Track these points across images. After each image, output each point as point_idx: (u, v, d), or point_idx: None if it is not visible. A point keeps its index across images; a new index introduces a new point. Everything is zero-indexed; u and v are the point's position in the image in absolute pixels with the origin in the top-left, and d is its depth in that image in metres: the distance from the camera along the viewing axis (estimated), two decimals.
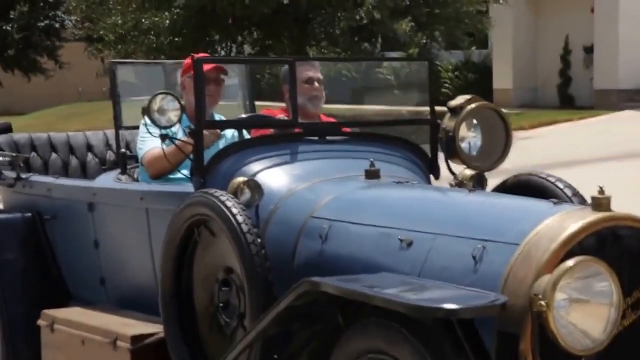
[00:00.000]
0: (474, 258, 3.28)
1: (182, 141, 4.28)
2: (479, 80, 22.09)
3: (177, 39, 16.55)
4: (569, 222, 3.20)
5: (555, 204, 3.42)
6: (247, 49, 18.40)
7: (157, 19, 16.48)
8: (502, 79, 21.91)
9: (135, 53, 16.90)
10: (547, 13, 22.13)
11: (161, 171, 4.59)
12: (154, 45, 16.54)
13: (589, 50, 21.12)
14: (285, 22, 16.84)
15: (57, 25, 31.05)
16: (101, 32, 18.41)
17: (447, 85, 21.66)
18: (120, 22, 17.26)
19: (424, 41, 16.95)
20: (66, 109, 26.55)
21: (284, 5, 16.04)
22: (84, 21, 20.42)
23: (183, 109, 4.24)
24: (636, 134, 15.96)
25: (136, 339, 4.15)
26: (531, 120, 18.36)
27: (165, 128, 4.25)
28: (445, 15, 17.07)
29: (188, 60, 4.87)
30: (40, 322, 4.69)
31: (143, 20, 16.73)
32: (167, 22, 16.40)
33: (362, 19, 16.08)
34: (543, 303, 3.01)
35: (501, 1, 18.51)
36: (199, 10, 16.34)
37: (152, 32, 16.67)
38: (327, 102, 4.87)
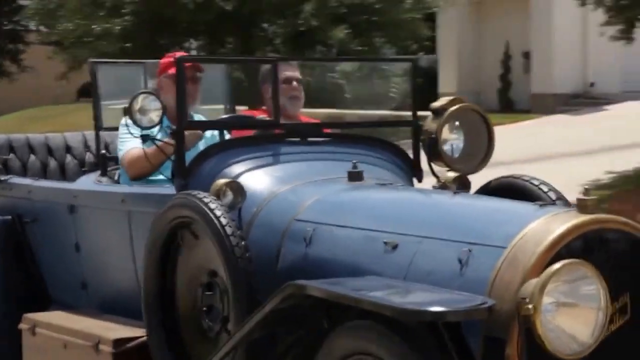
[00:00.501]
0: (460, 261, 3.13)
1: (164, 142, 4.06)
2: (425, 84, 21.89)
3: (127, 45, 16.44)
4: (554, 224, 3.06)
5: (540, 206, 3.28)
6: (194, 54, 18.37)
7: (107, 25, 16.40)
8: (447, 83, 21.86)
9: (90, 57, 16.83)
10: (489, 19, 22.17)
11: (142, 172, 4.40)
12: (105, 51, 16.44)
13: (527, 56, 21.13)
14: (229, 28, 16.73)
15: (20, 29, 30.50)
16: (52, 39, 18.33)
17: (394, 89, 21.61)
18: (71, 27, 17.14)
19: (359, 48, 16.82)
20: (32, 112, 25.97)
21: (227, 12, 15.91)
22: (48, 26, 20.25)
23: (164, 109, 4.02)
24: (560, 137, 15.89)
25: (118, 343, 3.97)
26: None
27: (147, 128, 4.04)
28: (383, 22, 16.98)
29: (164, 60, 4.71)
30: (22, 326, 4.48)
31: (93, 27, 16.62)
32: (118, 28, 16.28)
33: (300, 26, 15.97)
34: (530, 307, 2.88)
35: (434, 8, 18.39)
36: (148, 17, 16.25)
37: (105, 39, 16.58)
38: None
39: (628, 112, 17.78)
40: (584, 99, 20.30)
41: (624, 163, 12.49)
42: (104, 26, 16.38)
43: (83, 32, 16.77)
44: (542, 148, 14.82)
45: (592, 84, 20.69)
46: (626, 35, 11.35)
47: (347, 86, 20.53)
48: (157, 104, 4.02)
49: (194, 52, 17.90)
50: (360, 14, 16.63)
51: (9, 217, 4.91)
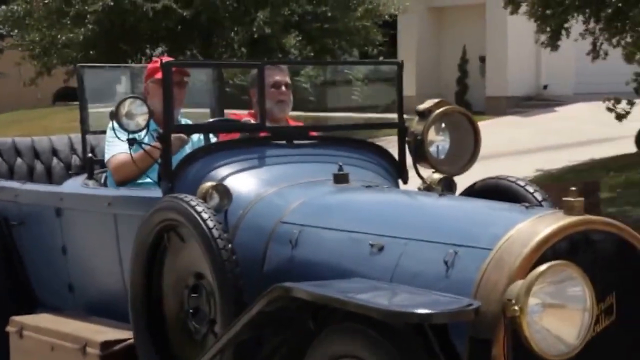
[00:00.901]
0: (446, 263, 2.96)
1: (151, 146, 3.83)
2: (386, 88, 21.74)
3: (91, 52, 16.25)
4: (541, 226, 2.91)
5: (527, 207, 3.12)
6: None
7: (72, 35, 16.20)
8: (407, 87, 21.46)
9: (56, 64, 17.00)
10: (447, 24, 22.06)
11: (128, 175, 4.18)
12: (70, 58, 16.27)
13: (484, 60, 21.04)
14: (189, 35, 16.57)
15: None
16: (20, 49, 18.15)
17: (356, 92, 21.48)
18: (37, 38, 16.91)
19: (312, 54, 16.66)
20: (8, 116, 25.32)
21: (187, 20, 15.72)
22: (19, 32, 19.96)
23: (151, 113, 3.81)
24: (509, 138, 15.66)
25: (105, 345, 3.76)
26: None
27: (134, 132, 3.83)
28: (335, 29, 16.83)
29: (151, 65, 4.49)
30: (9, 329, 4.26)
31: (58, 37, 16.42)
32: (81, 37, 16.08)
33: (254, 34, 15.80)
34: (516, 308, 2.74)
35: (387, 17, 18.25)
36: (110, 25, 16.05)
37: (69, 47, 16.42)
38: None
39: (577, 113, 17.68)
40: (536, 101, 20.22)
41: (561, 162, 12.38)
42: (68, 36, 16.22)
43: (48, 43, 16.73)
44: (486, 148, 14.67)
45: (545, 87, 20.61)
46: (552, 43, 11.28)
47: (310, 90, 20.37)
48: (144, 109, 3.82)
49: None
50: (313, 22, 16.51)
51: None
